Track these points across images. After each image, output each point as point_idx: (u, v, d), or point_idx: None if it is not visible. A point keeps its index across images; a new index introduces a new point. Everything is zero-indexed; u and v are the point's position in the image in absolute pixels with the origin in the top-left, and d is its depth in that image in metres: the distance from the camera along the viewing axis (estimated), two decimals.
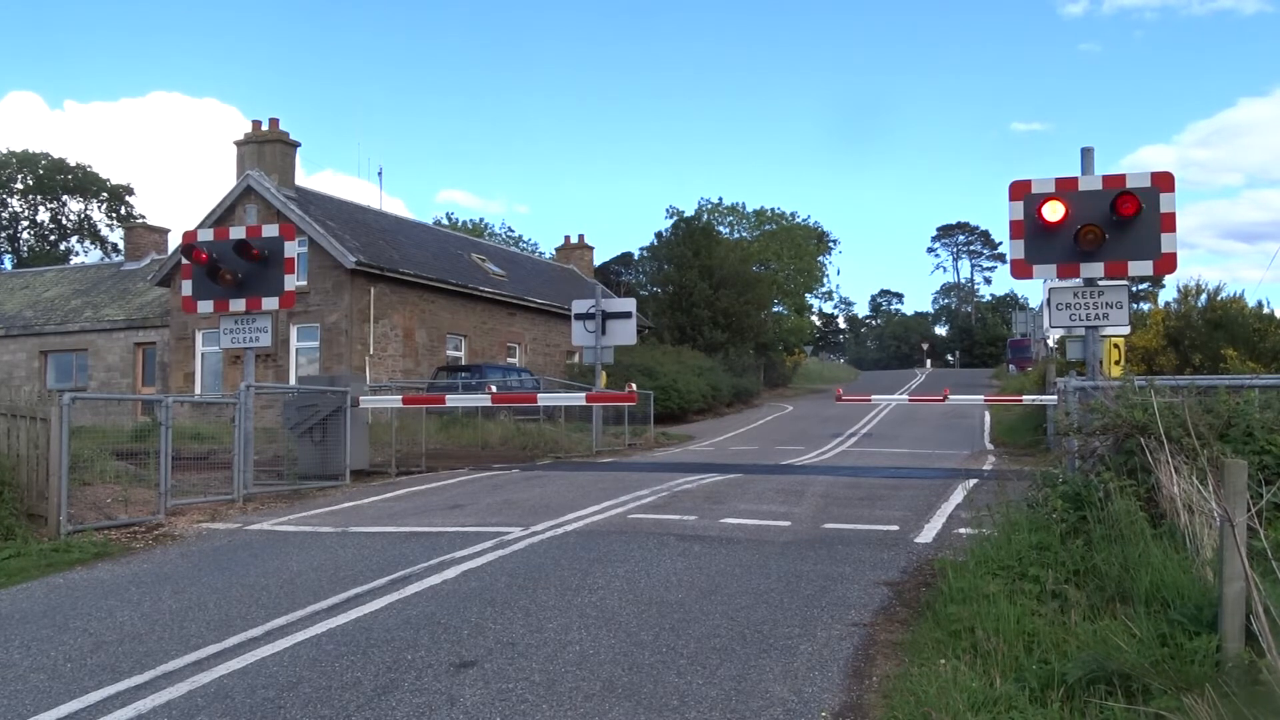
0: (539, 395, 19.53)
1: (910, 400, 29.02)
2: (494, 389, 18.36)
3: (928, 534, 8.78)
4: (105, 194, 56.72)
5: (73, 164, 55.32)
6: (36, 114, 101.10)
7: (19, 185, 54.51)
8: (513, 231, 63.12)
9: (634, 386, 15.77)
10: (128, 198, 57.46)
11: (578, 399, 18.08)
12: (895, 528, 9.12)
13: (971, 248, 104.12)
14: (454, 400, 17.25)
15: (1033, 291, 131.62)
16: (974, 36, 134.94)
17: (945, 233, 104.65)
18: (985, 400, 24.79)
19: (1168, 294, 50.81)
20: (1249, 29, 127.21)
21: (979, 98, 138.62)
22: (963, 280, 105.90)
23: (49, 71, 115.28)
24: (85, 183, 55.83)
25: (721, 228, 53.97)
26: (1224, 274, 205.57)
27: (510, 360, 31.04)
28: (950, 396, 22.01)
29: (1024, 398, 21.76)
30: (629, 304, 22.22)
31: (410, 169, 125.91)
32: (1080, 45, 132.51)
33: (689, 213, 52.60)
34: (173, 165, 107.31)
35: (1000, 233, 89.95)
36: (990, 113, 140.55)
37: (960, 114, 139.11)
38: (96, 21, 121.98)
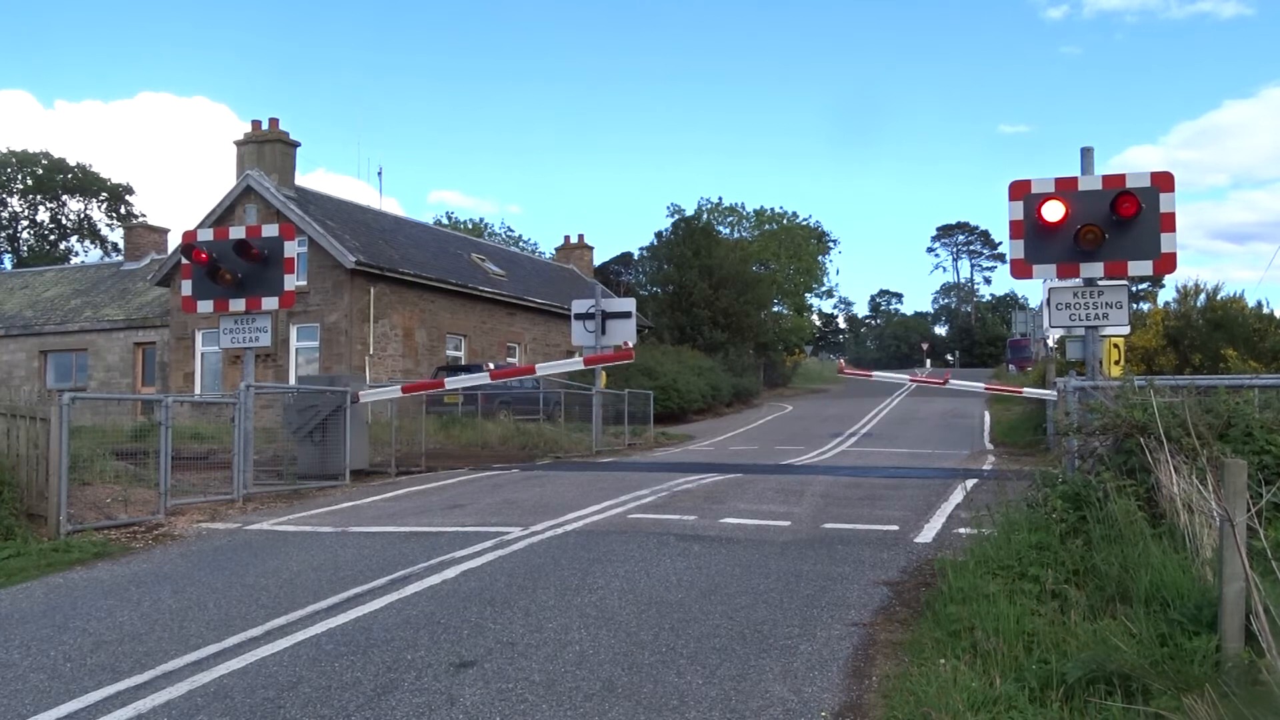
0: (537, 366, 19.43)
1: (912, 380, 29.09)
2: (492, 365, 18.26)
3: (927, 534, 8.78)
4: (105, 194, 56.66)
5: (72, 163, 55.33)
6: (31, 113, 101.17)
7: (18, 185, 54.47)
8: (512, 231, 63.19)
9: (630, 343, 15.47)
10: (127, 197, 57.43)
11: (576, 364, 17.86)
12: (895, 528, 9.12)
13: (971, 247, 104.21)
14: (453, 383, 17.19)
15: (1032, 291, 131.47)
16: (961, 38, 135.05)
17: (945, 232, 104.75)
18: (985, 389, 24.89)
19: (1167, 294, 50.84)
20: (1228, 31, 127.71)
21: (969, 99, 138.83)
22: (962, 280, 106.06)
23: (40, 71, 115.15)
24: (85, 182, 55.77)
25: (721, 228, 54.00)
26: (1214, 274, 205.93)
27: (510, 360, 31.04)
28: (951, 381, 22.60)
29: (1024, 390, 21.83)
30: (629, 304, 22.21)
31: (402, 169, 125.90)
32: (1062, 48, 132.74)
33: (689, 212, 52.71)
34: (168, 164, 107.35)
35: (1000, 232, 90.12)
36: (979, 114, 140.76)
37: (953, 115, 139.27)
38: (82, 20, 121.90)
